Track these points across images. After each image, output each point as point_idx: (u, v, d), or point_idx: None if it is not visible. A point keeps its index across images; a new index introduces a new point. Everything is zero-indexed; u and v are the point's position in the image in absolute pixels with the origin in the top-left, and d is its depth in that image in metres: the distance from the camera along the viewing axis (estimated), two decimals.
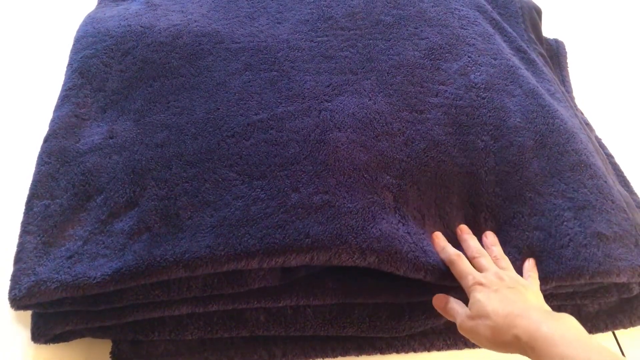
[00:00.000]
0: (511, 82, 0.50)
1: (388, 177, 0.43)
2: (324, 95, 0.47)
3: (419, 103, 0.48)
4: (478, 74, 0.51)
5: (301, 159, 0.43)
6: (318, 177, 0.42)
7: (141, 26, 0.52)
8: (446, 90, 0.49)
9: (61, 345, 0.42)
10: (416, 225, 0.42)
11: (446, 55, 0.52)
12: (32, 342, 0.41)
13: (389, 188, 0.43)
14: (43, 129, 0.46)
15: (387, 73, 0.50)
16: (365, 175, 0.43)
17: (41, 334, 0.40)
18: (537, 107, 0.49)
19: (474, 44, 0.53)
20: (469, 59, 0.52)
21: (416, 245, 0.40)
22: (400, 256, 0.39)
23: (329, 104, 0.47)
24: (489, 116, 0.48)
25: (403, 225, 0.41)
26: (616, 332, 0.47)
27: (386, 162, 0.44)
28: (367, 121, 0.46)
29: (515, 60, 0.53)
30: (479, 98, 0.49)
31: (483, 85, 0.50)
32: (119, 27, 0.52)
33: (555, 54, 0.65)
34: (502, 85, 0.50)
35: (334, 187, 0.41)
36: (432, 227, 0.43)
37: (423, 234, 0.42)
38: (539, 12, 0.65)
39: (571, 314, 0.46)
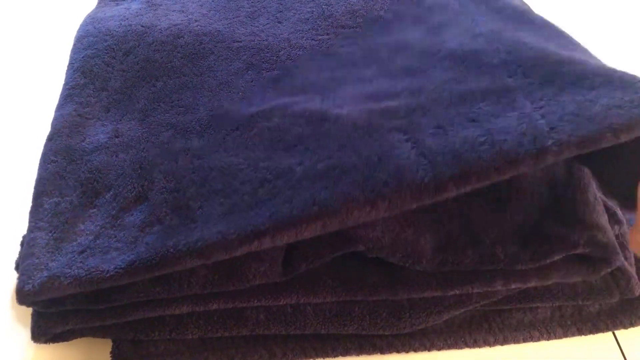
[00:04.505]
0: (521, 22, 0.48)
1: (395, 120, 0.40)
2: (327, 88, 0.47)
3: (422, 66, 0.46)
4: (483, 26, 0.48)
5: (304, 138, 0.42)
6: (320, 148, 0.40)
7: (142, 26, 0.52)
8: (450, 43, 0.47)
9: (61, 344, 0.42)
10: (436, 139, 0.37)
11: (446, 26, 0.50)
12: (32, 342, 0.41)
13: (398, 128, 0.39)
14: (40, 128, 0.47)
15: (388, 59, 0.49)
16: (368, 129, 0.40)
17: (41, 333, 0.40)
18: (554, 33, 0.45)
19: (475, 13, 0.51)
20: (472, 21, 0.49)
21: (432, 164, 0.35)
22: (415, 185, 0.35)
23: (332, 93, 0.46)
24: (501, 48, 0.44)
25: (417, 148, 0.37)
26: (616, 332, 0.47)
27: (391, 112, 0.41)
28: (368, 94, 0.45)
29: (525, 10, 0.51)
30: (487, 40, 0.45)
31: (490, 31, 0.46)
32: (119, 27, 0.52)
33: None
34: (511, 26, 0.47)
35: (337, 151, 0.39)
36: (459, 132, 0.37)
37: (445, 143, 0.36)
38: None
39: (572, 314, 0.47)
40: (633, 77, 0.36)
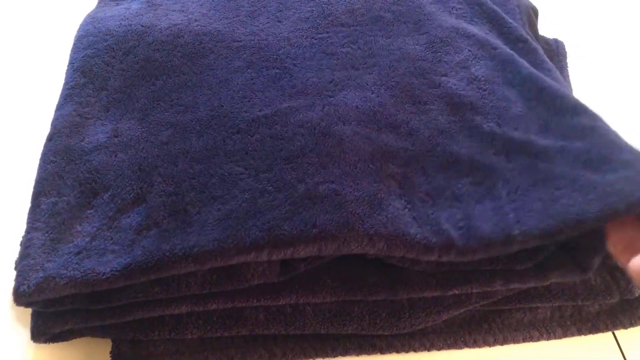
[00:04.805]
0: (510, 72, 0.50)
1: (393, 166, 0.43)
2: (327, 90, 0.48)
3: (421, 95, 0.48)
4: (478, 67, 0.50)
5: (307, 152, 0.43)
6: (324, 167, 0.42)
7: (142, 25, 0.52)
8: (448, 82, 0.49)
9: (61, 344, 0.42)
10: (425, 208, 0.41)
11: (447, 48, 0.52)
12: (32, 342, 0.41)
13: (394, 177, 0.42)
14: (40, 128, 0.47)
15: (389, 67, 0.50)
16: (370, 166, 0.42)
17: (41, 333, 0.40)
18: (537, 93, 0.48)
19: (474, 36, 0.53)
20: (469, 52, 0.52)
21: (422, 228, 0.40)
22: (409, 238, 0.39)
23: (332, 99, 0.47)
24: (492, 106, 0.47)
25: (409, 210, 0.41)
26: (616, 332, 0.47)
27: (390, 152, 0.44)
28: (370, 114, 0.46)
29: (515, 53, 0.53)
30: (480, 90, 0.49)
31: (483, 78, 0.49)
32: (119, 27, 0.52)
33: (555, 54, 0.65)
34: (502, 77, 0.50)
35: (340, 177, 0.41)
36: (444, 208, 0.42)
37: (432, 214, 0.41)
38: (535, 12, 0.65)
39: (571, 314, 0.47)
40: (593, 180, 0.40)
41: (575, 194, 0.40)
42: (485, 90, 0.49)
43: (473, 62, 0.51)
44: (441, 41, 0.53)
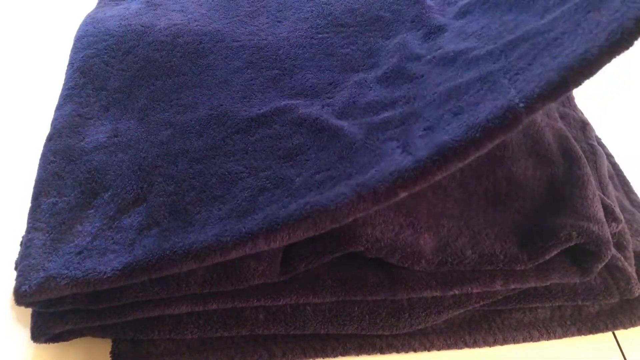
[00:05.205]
0: (505, 6, 0.47)
1: (390, 130, 0.42)
2: (326, 92, 0.48)
3: (419, 71, 0.47)
4: (473, 26, 0.49)
5: (305, 150, 0.43)
6: (320, 160, 0.42)
7: (142, 25, 0.53)
8: (444, 50, 0.48)
9: (61, 344, 0.42)
10: (423, 140, 0.38)
11: (444, 34, 0.51)
12: (32, 342, 0.41)
13: (392, 137, 0.41)
14: (40, 128, 0.47)
15: (387, 63, 0.50)
16: (367, 143, 0.42)
17: (41, 333, 0.40)
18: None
19: (472, 24, 0.52)
20: (465, 24, 0.51)
21: (413, 155, 0.36)
22: (397, 172, 0.36)
23: (331, 100, 0.47)
24: (490, 35, 0.45)
25: (406, 153, 0.38)
26: (616, 332, 0.47)
27: (387, 122, 0.43)
28: (366, 104, 0.46)
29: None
30: (477, 37, 0.46)
31: (480, 29, 0.47)
32: (119, 27, 0.53)
33: None
34: (499, 15, 0.47)
35: (336, 163, 0.41)
36: (443, 128, 0.38)
37: (430, 139, 0.37)
38: None
39: (571, 314, 0.47)
40: (596, 19, 0.35)
41: (577, 39, 0.35)
42: (482, 35, 0.46)
43: (469, 26, 0.49)
44: (439, 29, 0.52)
